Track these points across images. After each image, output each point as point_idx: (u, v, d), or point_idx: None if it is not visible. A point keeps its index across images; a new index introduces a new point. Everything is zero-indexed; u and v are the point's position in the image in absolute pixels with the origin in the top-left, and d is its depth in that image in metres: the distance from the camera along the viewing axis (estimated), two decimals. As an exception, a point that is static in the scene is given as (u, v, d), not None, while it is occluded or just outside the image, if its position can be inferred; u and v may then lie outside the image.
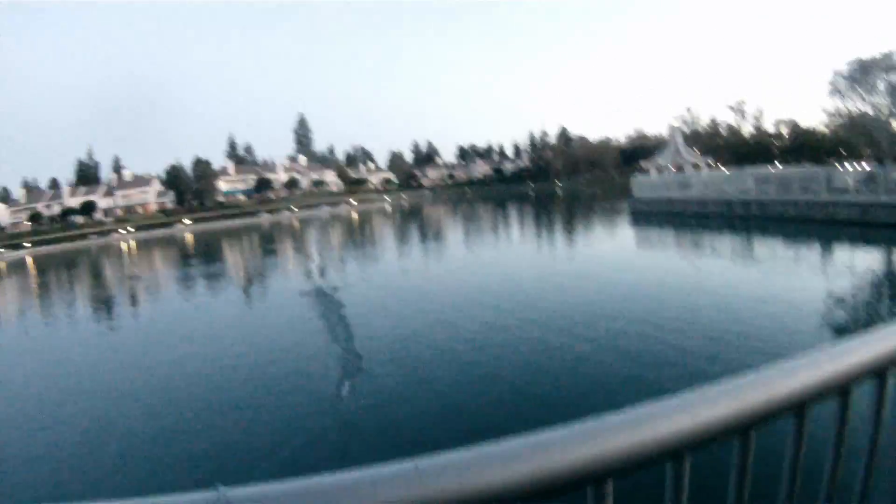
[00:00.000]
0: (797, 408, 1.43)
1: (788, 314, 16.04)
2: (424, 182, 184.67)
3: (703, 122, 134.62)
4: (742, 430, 1.33)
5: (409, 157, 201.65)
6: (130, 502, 0.93)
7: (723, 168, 64.22)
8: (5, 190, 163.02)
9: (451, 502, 0.98)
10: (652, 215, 47.03)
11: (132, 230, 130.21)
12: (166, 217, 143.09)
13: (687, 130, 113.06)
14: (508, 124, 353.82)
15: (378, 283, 29.09)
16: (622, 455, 1.11)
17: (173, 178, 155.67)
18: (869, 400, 1.63)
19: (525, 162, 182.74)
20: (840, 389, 1.51)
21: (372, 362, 15.35)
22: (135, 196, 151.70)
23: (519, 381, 12.98)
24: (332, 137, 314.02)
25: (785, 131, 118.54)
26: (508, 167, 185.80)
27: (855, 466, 1.66)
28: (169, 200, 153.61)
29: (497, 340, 16.16)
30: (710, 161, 66.30)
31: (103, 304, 35.71)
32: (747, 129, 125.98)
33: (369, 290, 27.33)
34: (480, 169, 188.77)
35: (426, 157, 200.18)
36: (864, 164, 45.11)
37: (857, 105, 71.45)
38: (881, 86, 67.39)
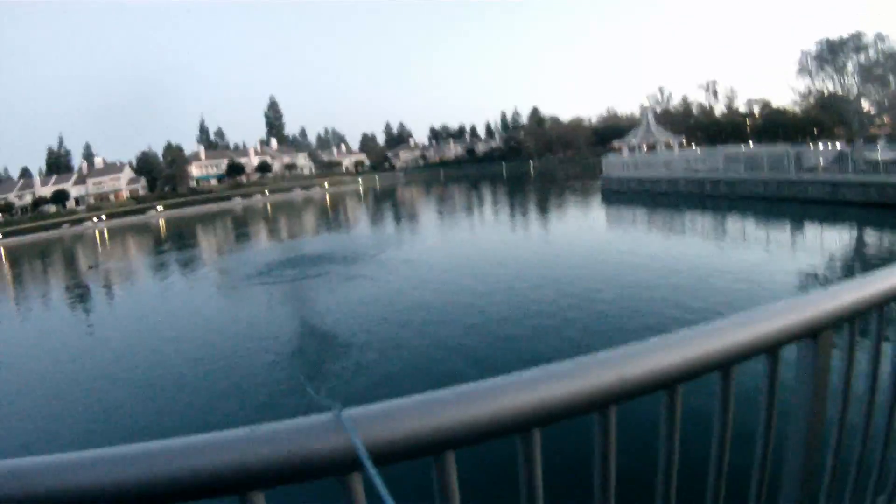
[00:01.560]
0: (724, 367, 1.49)
1: (748, 288, 16.65)
2: (397, 164, 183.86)
3: (675, 101, 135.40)
4: (669, 383, 1.38)
5: (381, 139, 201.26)
6: (249, 429, 1.06)
7: (695, 147, 64.52)
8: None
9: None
10: (623, 194, 47.14)
11: (105, 218, 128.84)
12: (138, 204, 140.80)
13: (658, 110, 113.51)
14: (480, 105, 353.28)
15: (350, 265, 28.59)
16: (551, 404, 1.18)
17: (145, 165, 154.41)
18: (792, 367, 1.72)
19: (497, 142, 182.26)
20: (768, 350, 1.57)
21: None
22: (107, 183, 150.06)
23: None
24: (304, 120, 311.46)
25: (756, 110, 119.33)
26: (481, 148, 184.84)
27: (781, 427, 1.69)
28: (141, 187, 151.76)
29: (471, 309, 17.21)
30: (682, 140, 66.60)
31: (73, 292, 35.57)
32: (719, 109, 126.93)
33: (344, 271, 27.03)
34: (453, 150, 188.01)
35: (398, 138, 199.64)
36: (836, 143, 45.38)
37: (827, 85, 72.00)
38: (850, 66, 67.87)
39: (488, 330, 15.13)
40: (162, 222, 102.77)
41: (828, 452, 1.88)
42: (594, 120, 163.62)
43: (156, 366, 16.02)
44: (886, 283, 1.84)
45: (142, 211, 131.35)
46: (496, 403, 1.14)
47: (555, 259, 24.33)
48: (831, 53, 67.25)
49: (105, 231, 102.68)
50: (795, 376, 1.71)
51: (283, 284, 25.85)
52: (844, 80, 67.99)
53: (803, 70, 71.46)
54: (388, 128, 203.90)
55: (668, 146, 60.54)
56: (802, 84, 75.94)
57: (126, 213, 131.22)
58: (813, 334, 1.64)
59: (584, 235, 31.54)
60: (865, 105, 69.86)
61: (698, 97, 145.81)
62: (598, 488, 1.41)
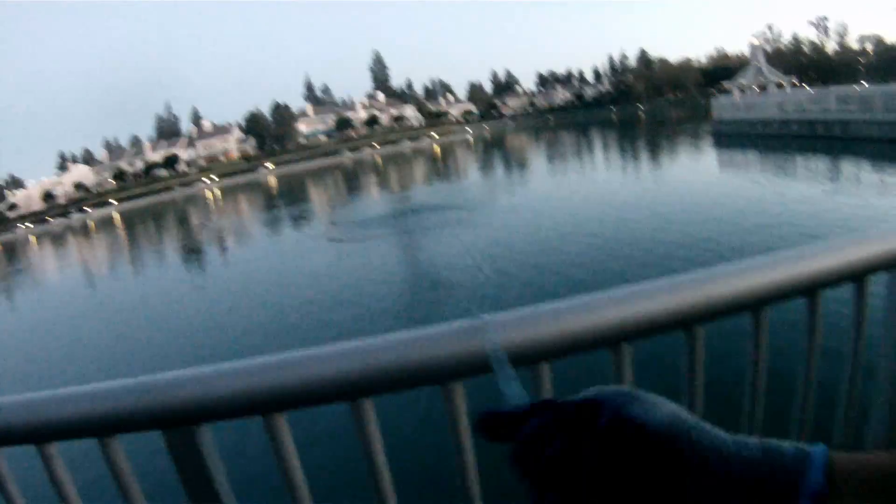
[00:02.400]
0: (809, 291, 1.54)
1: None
2: (505, 111, 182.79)
3: (785, 39, 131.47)
4: (754, 305, 1.47)
5: (488, 87, 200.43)
6: (393, 335, 1.23)
7: (807, 87, 63.16)
8: (88, 151, 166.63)
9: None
10: (734, 137, 46.46)
11: (216, 178, 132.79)
12: (248, 163, 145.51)
13: (769, 49, 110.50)
14: (588, 49, 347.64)
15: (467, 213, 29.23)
16: (640, 320, 1.29)
17: (253, 125, 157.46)
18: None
19: (606, 86, 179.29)
20: (854, 277, 1.58)
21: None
22: (216, 145, 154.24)
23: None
24: (410, 72, 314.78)
25: (870, 48, 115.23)
26: (589, 92, 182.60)
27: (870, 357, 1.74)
28: (250, 147, 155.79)
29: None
30: (793, 80, 65.24)
31: (190, 251, 37.65)
32: (831, 47, 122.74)
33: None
34: (561, 96, 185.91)
35: (505, 85, 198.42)
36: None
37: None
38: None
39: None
40: (272, 179, 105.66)
41: None
42: (703, 60, 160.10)
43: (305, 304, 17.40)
44: None
45: (251, 169, 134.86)
46: (589, 318, 1.25)
47: (664, 205, 24.12)
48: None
49: (216, 191, 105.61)
50: (885, 306, 1.68)
51: (399, 235, 26.47)
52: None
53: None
54: (494, 75, 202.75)
55: (780, 86, 59.36)
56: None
57: (236, 173, 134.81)
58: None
59: (694, 181, 31.29)
60: None
61: (809, 34, 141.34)
62: (685, 403, 1.50)
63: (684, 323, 1.37)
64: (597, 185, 35.17)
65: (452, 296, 15.39)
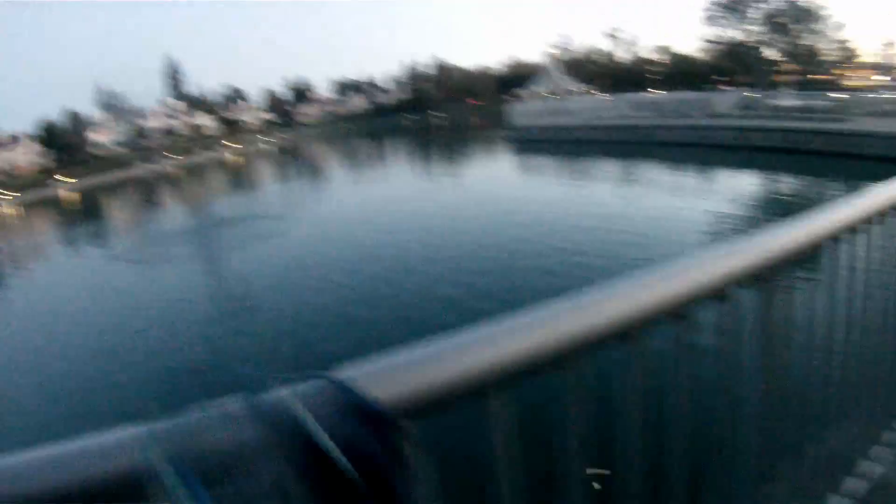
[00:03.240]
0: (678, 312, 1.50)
1: (662, 230, 17.58)
2: (303, 119, 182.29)
3: (580, 49, 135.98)
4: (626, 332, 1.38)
5: (286, 95, 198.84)
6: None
7: (599, 95, 64.53)
8: None
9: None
10: (530, 143, 46.90)
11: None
12: (39, 177, 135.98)
13: (565, 59, 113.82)
14: (384, 57, 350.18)
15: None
16: (509, 361, 1.14)
17: (47, 135, 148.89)
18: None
19: (402, 94, 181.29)
20: (719, 293, 1.59)
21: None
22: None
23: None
24: (205, 79, 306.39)
25: (662, 58, 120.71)
26: (386, 100, 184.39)
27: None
28: (42, 159, 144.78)
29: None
30: (588, 88, 66.65)
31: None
32: (624, 56, 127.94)
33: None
34: (358, 103, 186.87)
35: (302, 93, 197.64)
36: (741, 90, 46.17)
37: (733, 33, 73.27)
38: (755, 14, 68.90)
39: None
40: (67, 196, 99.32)
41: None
42: (499, 68, 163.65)
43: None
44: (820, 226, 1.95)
45: (42, 184, 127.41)
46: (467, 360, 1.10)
47: (466, 211, 24.43)
48: (737, 2, 68.46)
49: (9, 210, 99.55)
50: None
51: (202, 251, 25.29)
52: (750, 27, 69.33)
53: (711, 18, 72.50)
54: (290, 83, 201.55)
55: (573, 94, 60.45)
56: (709, 32, 77.18)
57: (26, 188, 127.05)
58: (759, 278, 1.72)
59: (492, 186, 31.60)
60: (770, 53, 71.34)
61: (602, 45, 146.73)
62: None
63: (560, 358, 1.29)
64: (394, 192, 34.83)
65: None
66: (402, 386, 1.01)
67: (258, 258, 21.18)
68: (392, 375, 1.01)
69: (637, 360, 1.42)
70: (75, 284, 24.75)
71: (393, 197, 32.73)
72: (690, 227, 17.85)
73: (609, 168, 33.66)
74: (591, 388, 1.28)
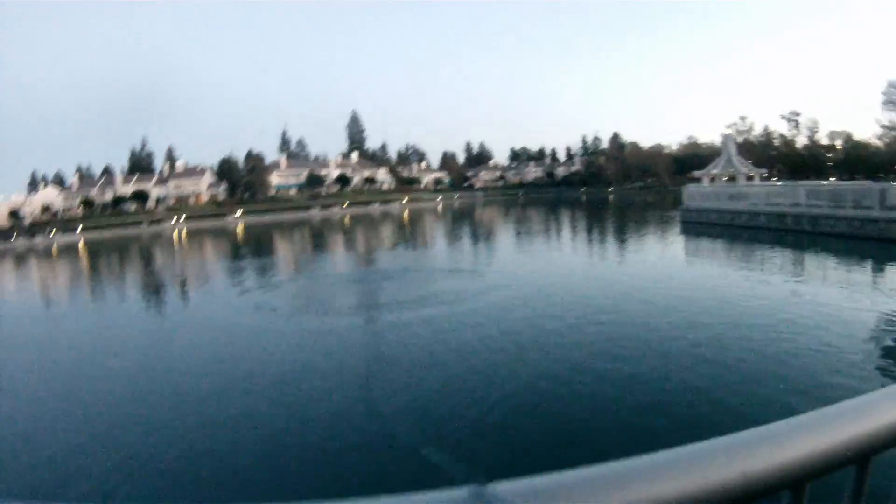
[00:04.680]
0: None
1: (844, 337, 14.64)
2: (476, 183, 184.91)
3: (757, 131, 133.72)
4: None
5: (461, 157, 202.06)
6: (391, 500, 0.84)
7: (775, 180, 63.77)
8: (59, 175, 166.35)
9: None
10: (702, 225, 46.79)
11: (183, 220, 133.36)
12: (217, 208, 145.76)
13: (740, 140, 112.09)
14: (561, 128, 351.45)
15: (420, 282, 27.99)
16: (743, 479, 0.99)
17: (226, 170, 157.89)
18: None
19: (577, 166, 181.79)
20: None
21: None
22: (187, 186, 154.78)
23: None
24: (385, 136, 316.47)
25: (839, 143, 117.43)
26: (560, 171, 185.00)
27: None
28: (221, 192, 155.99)
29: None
30: (763, 172, 65.90)
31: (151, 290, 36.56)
32: (801, 140, 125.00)
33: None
34: (532, 172, 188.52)
35: (478, 158, 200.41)
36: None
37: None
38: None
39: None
40: (240, 228, 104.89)
41: None
42: (674, 147, 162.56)
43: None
44: None
45: (221, 215, 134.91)
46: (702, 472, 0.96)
47: (630, 291, 22.88)
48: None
49: (183, 232, 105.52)
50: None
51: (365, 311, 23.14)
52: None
53: (889, 102, 70.48)
54: (468, 147, 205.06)
55: (750, 178, 60.00)
56: (887, 117, 74.89)
57: (205, 217, 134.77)
58: None
59: (660, 267, 30.44)
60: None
61: (780, 127, 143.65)
62: None
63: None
64: (565, 267, 33.59)
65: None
66: None
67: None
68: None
69: None
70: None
71: (560, 269, 32.10)
72: (869, 332, 15.17)
73: (781, 257, 31.83)
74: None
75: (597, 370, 12.96)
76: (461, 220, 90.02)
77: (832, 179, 57.39)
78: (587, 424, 10.39)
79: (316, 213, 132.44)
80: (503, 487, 0.87)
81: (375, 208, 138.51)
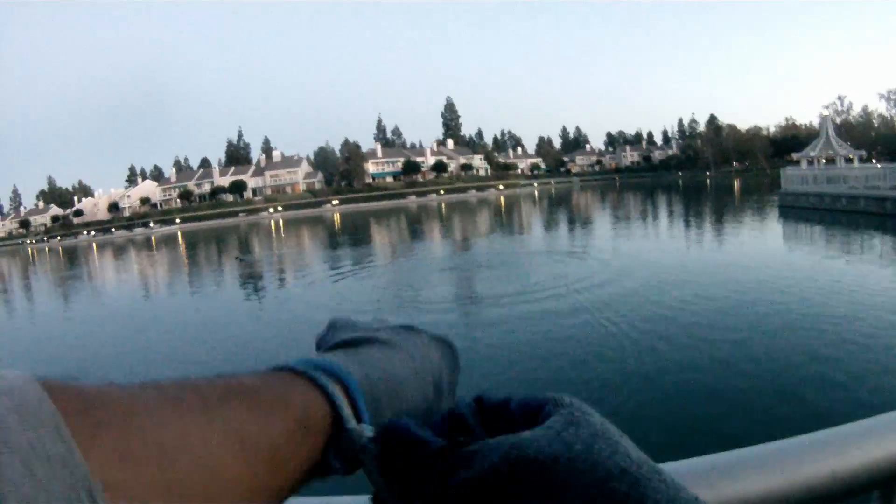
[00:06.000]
0: None
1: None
2: (572, 168, 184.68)
3: (855, 111, 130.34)
4: None
5: (557, 143, 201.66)
6: None
7: (875, 162, 62.81)
8: (157, 168, 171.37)
9: None
10: (801, 209, 46.06)
11: (280, 209, 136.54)
12: (314, 197, 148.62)
13: (838, 120, 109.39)
14: (658, 111, 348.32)
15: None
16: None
17: (322, 160, 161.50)
18: None
19: (674, 150, 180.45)
20: None
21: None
22: (284, 176, 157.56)
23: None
24: (481, 122, 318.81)
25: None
26: (657, 155, 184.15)
27: None
28: (317, 181, 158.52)
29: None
30: (862, 154, 64.96)
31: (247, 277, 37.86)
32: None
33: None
34: (629, 157, 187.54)
35: (574, 143, 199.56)
36: None
37: None
38: None
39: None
40: (336, 216, 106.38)
41: None
42: (772, 129, 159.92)
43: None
44: None
45: (317, 204, 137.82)
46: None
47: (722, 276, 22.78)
48: None
49: (280, 221, 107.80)
50: None
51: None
52: None
53: None
54: (564, 132, 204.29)
55: (849, 160, 59.20)
56: None
57: (301, 206, 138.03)
58: None
59: (756, 252, 30.07)
60: None
61: (879, 107, 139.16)
62: None
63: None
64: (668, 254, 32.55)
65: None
66: None
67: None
68: None
69: None
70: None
71: (660, 256, 31.17)
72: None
73: (880, 244, 30.43)
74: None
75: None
76: (559, 206, 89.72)
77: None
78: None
79: (412, 201, 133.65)
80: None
81: (472, 195, 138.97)
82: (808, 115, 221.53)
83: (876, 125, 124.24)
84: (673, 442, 8.79)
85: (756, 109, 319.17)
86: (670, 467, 0.86)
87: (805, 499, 0.92)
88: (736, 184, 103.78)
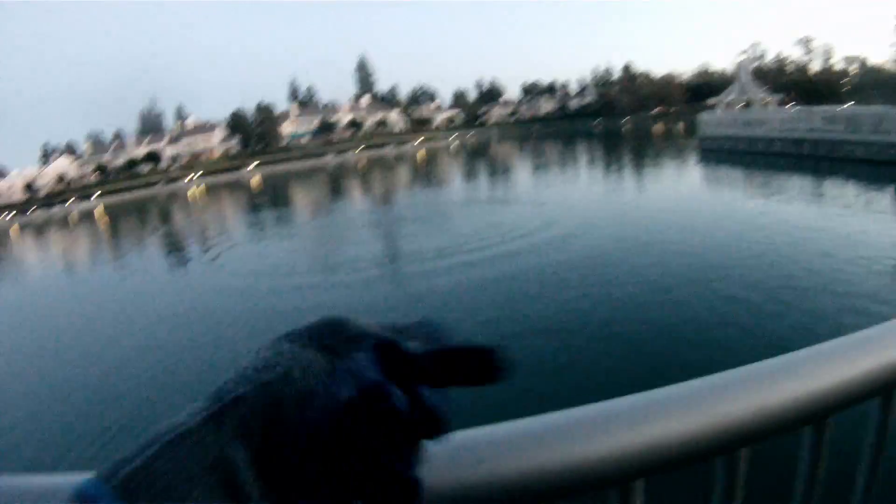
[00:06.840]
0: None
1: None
2: (489, 120, 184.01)
3: (770, 57, 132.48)
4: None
5: (473, 95, 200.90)
6: None
7: (789, 106, 63.48)
8: (70, 145, 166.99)
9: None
10: (719, 153, 46.48)
11: (197, 176, 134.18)
12: (231, 161, 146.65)
13: (753, 67, 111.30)
14: (572, 61, 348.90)
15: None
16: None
17: (237, 124, 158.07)
18: None
19: (590, 98, 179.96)
20: None
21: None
22: (199, 143, 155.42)
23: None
24: (395, 78, 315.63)
25: (853, 69, 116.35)
26: (573, 104, 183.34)
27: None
28: (233, 145, 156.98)
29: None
30: (778, 98, 65.64)
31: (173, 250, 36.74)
32: (815, 67, 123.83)
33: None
34: (545, 106, 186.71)
35: (490, 94, 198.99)
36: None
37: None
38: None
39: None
40: (255, 180, 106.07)
41: None
42: (687, 76, 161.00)
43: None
44: None
45: (235, 168, 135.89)
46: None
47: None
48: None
49: (199, 189, 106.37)
50: None
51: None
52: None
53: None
54: (479, 84, 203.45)
55: (765, 104, 59.71)
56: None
57: (219, 171, 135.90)
58: None
59: (679, 197, 30.92)
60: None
61: (793, 54, 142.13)
62: None
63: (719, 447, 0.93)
64: (584, 199, 33.87)
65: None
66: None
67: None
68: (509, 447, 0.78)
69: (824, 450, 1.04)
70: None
71: (571, 203, 31.91)
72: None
73: (800, 184, 31.48)
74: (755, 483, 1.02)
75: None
76: (477, 157, 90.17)
77: (847, 105, 56.53)
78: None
79: (330, 159, 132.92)
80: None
81: (390, 150, 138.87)
82: (721, 63, 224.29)
83: (789, 71, 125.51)
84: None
85: (671, 58, 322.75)
86: (571, 414, 0.85)
87: (735, 438, 0.91)
88: (653, 130, 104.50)
